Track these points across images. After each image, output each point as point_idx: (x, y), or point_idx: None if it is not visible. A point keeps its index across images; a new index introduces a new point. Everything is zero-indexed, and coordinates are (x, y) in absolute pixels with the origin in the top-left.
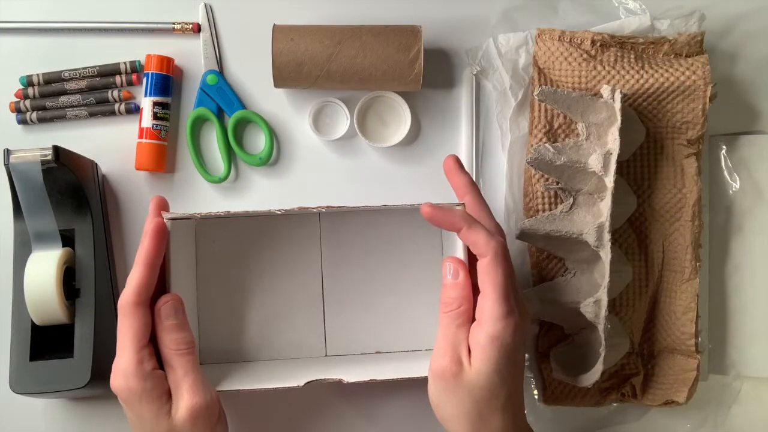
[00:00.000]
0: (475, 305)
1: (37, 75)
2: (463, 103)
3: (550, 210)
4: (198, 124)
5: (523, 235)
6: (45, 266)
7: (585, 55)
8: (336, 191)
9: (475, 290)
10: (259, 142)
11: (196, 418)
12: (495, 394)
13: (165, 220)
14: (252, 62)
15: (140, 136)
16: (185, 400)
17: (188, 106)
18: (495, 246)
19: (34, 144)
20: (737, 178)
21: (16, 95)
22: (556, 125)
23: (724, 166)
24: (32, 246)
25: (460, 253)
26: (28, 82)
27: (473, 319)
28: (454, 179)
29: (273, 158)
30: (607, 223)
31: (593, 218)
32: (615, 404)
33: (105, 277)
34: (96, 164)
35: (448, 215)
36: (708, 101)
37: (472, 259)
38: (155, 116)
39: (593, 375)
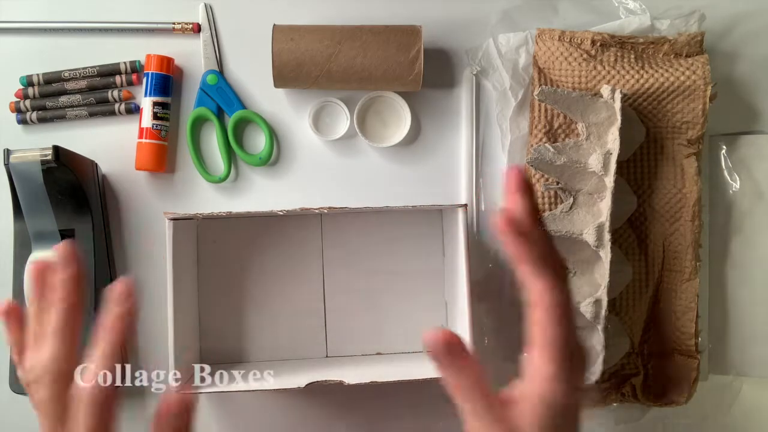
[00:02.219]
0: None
1: (37, 75)
2: (463, 103)
3: (550, 210)
4: (198, 124)
5: None
6: None
7: (585, 55)
8: (336, 191)
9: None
10: (259, 142)
11: None
12: None
13: (166, 221)
14: (252, 62)
15: (140, 136)
16: None
17: (188, 106)
18: (550, 299)
19: (34, 144)
20: (737, 178)
21: (16, 95)
22: (556, 125)
23: (724, 166)
24: (32, 246)
25: (462, 259)
26: (28, 82)
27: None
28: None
29: (273, 158)
30: (607, 223)
31: (593, 218)
32: (615, 404)
33: (105, 277)
34: (96, 164)
35: (521, 245)
36: (708, 101)
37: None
38: (155, 116)
39: (593, 375)
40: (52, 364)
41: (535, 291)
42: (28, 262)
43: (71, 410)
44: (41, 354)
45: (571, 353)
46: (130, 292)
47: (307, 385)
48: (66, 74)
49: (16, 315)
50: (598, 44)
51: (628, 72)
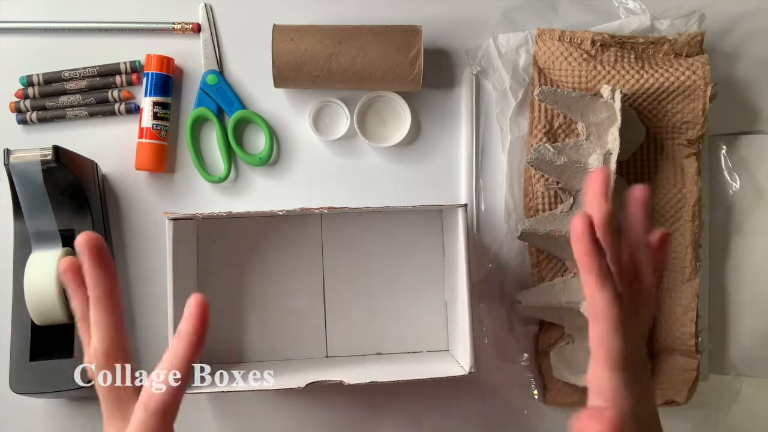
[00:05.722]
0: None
1: (37, 75)
2: (463, 103)
3: (550, 210)
4: (198, 124)
5: (523, 235)
6: (45, 266)
7: (585, 55)
8: (336, 191)
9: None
10: (259, 142)
11: None
12: None
13: (166, 221)
14: (252, 62)
15: (140, 136)
16: None
17: (188, 106)
18: (614, 312)
19: (34, 144)
20: (737, 178)
21: (16, 95)
22: (556, 125)
23: (724, 166)
24: (32, 246)
25: (462, 259)
26: (28, 82)
27: None
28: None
29: (273, 158)
30: None
31: None
32: None
33: None
34: (96, 164)
35: (592, 255)
36: (708, 101)
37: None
38: (155, 116)
39: None
40: (97, 355)
41: (599, 303)
42: (28, 262)
43: (131, 408)
44: (91, 344)
45: (633, 365)
46: (203, 310)
47: (307, 385)
48: (66, 74)
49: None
50: (598, 44)
51: (628, 72)
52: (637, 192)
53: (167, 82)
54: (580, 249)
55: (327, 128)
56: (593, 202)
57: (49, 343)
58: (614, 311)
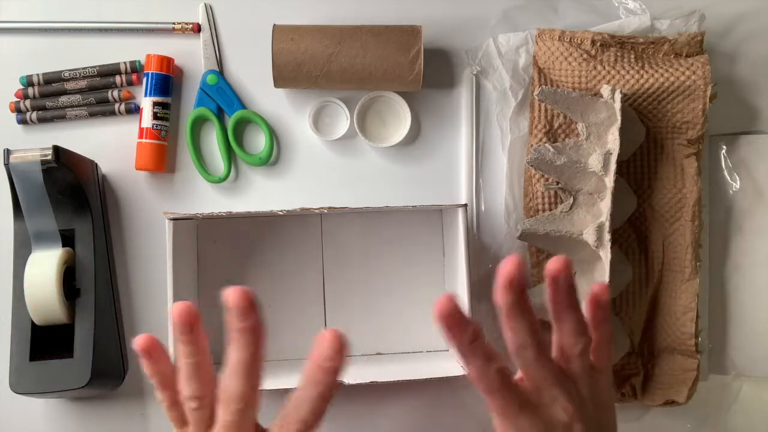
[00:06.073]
0: None
1: (37, 75)
2: (463, 103)
3: (550, 210)
4: (198, 124)
5: (523, 235)
6: (45, 266)
7: (585, 55)
8: (336, 191)
9: None
10: (259, 142)
11: None
12: None
13: (166, 221)
14: (252, 62)
15: (140, 136)
16: None
17: (188, 106)
18: (480, 383)
19: (34, 144)
20: (737, 178)
21: (16, 95)
22: (556, 125)
23: (724, 166)
24: (32, 246)
25: (462, 259)
26: (28, 82)
27: None
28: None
29: (273, 158)
30: (607, 223)
31: (593, 218)
32: (615, 404)
33: (105, 277)
34: (96, 164)
35: (453, 333)
36: (708, 101)
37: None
38: (155, 116)
39: None
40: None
41: (468, 373)
42: (28, 262)
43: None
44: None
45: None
46: (251, 304)
47: None
48: (66, 74)
49: (159, 352)
50: (598, 44)
51: (628, 72)
52: (551, 266)
53: (167, 82)
54: (443, 328)
55: (327, 128)
56: (497, 290)
57: (49, 343)
58: (484, 382)
